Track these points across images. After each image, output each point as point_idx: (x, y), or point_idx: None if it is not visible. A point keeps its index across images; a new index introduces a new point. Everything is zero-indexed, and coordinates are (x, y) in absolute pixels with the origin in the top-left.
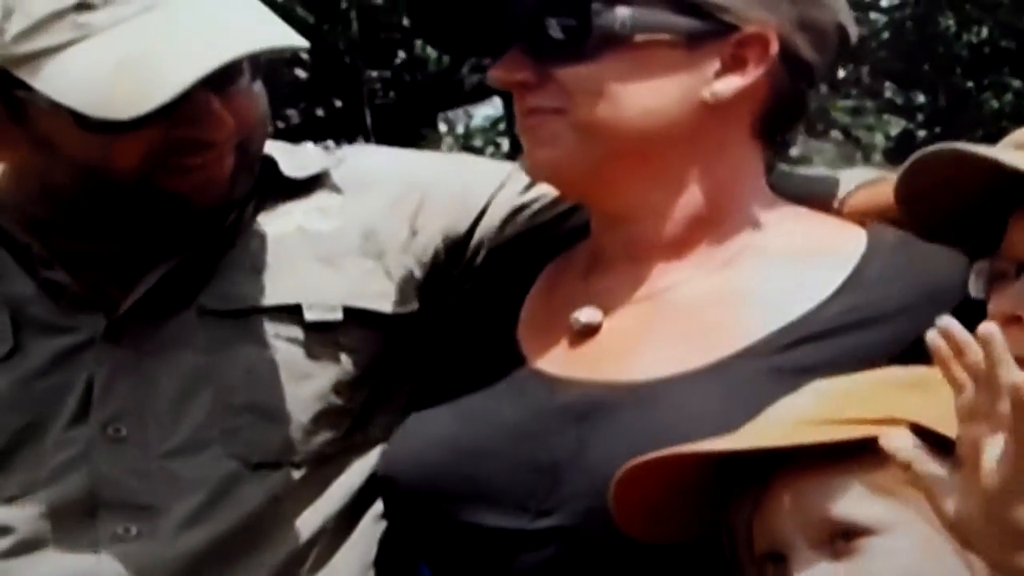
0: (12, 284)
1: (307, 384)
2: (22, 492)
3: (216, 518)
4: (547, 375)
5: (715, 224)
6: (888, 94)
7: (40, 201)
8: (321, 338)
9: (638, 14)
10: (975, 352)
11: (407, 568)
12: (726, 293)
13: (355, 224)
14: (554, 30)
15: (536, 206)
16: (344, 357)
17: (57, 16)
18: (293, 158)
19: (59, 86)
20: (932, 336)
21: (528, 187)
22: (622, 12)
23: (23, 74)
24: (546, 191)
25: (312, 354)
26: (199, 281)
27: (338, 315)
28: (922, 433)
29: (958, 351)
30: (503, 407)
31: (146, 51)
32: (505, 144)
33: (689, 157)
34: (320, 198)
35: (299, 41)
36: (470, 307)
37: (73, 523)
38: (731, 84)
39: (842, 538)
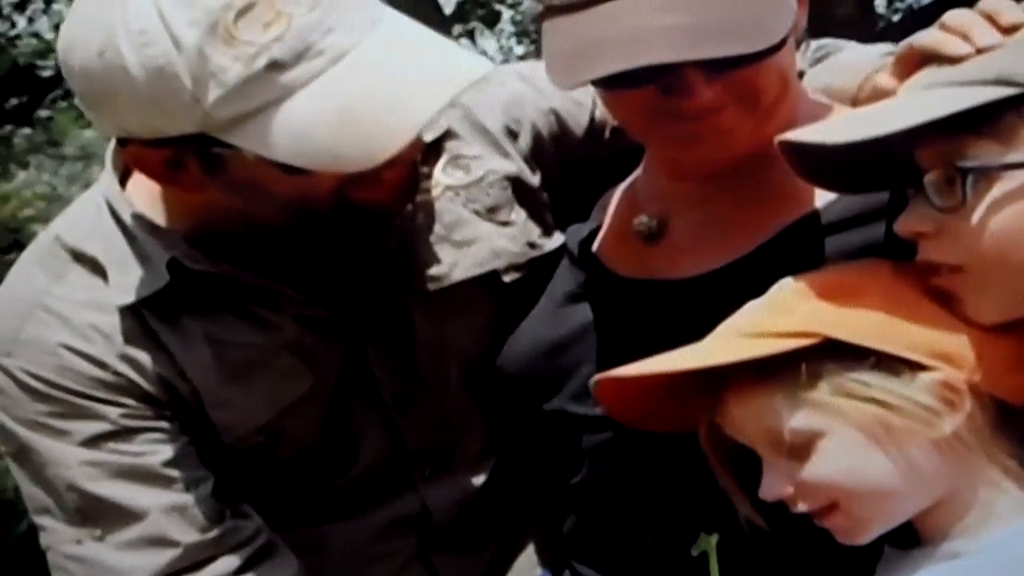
0: (282, 330)
1: (511, 320)
2: (343, 469)
3: (490, 454)
4: (617, 276)
5: (769, 132)
6: None
7: (245, 234)
8: (516, 287)
9: None
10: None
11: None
12: (757, 190)
13: (494, 173)
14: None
15: None
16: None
17: (252, 80)
18: None
19: (272, 144)
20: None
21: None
22: None
23: (226, 136)
24: None
25: (513, 298)
26: (402, 266)
27: (525, 271)
28: (838, 345)
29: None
30: (581, 308)
31: (362, 102)
32: None
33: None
34: (447, 148)
35: (487, 66)
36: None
37: (392, 477)
38: (803, 10)
39: (791, 442)
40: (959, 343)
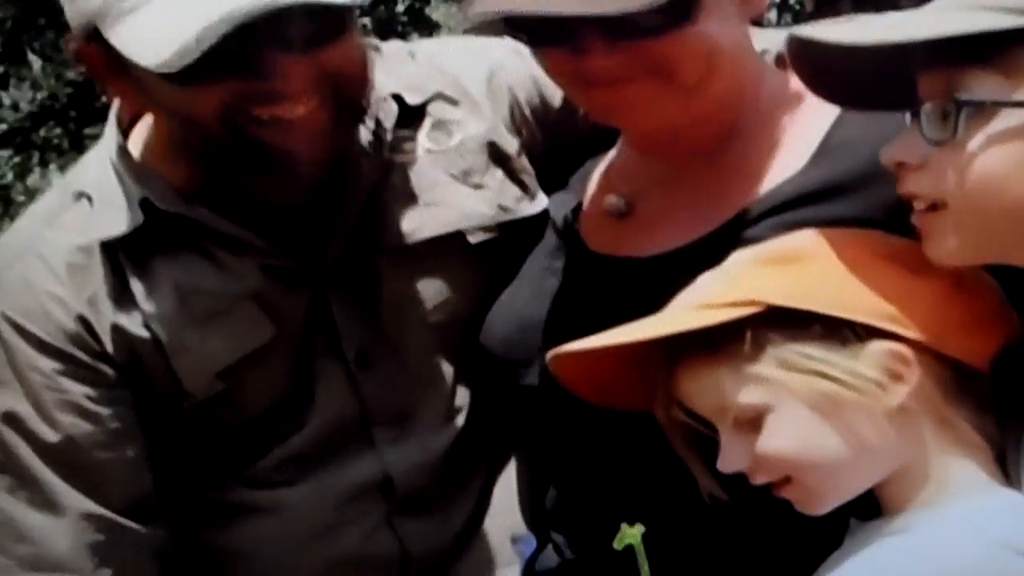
0: (246, 279)
1: (481, 282)
2: (302, 424)
3: (458, 414)
4: (593, 253)
5: (732, 113)
6: None
7: (192, 164)
8: (486, 249)
9: None
10: None
11: None
12: (721, 170)
13: (473, 138)
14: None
15: None
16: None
17: None
18: (407, 82)
19: (128, 42)
20: None
21: None
22: None
23: (105, 31)
24: None
25: (484, 260)
26: (371, 223)
27: (495, 233)
28: (783, 315)
29: None
30: (559, 283)
31: (191, 13)
32: None
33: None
34: (431, 113)
35: None
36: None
37: (352, 436)
38: None
39: (740, 416)
40: (910, 304)
